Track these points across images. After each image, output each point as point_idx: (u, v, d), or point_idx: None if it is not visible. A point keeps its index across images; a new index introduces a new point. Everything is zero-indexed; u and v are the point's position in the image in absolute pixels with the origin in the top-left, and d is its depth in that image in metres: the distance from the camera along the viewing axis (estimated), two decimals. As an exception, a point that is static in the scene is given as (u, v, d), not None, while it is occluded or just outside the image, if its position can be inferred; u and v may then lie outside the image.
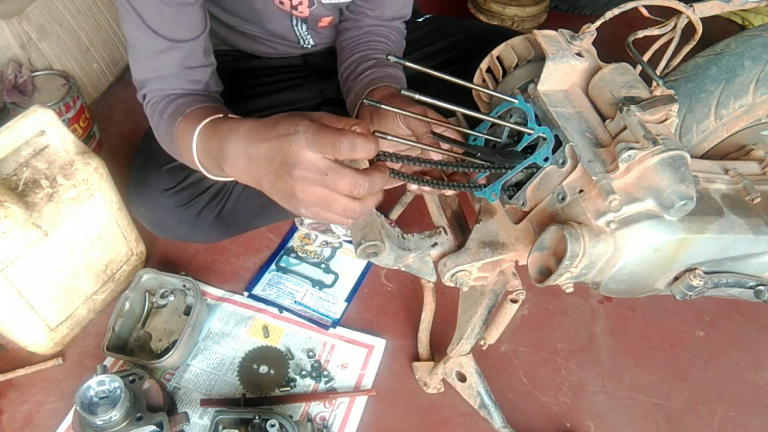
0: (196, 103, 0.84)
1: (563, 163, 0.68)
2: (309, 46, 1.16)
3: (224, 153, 0.66)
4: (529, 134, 0.71)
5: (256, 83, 1.19)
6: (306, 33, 1.12)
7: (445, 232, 0.78)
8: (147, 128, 1.14)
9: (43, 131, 0.89)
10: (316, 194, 0.58)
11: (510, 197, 0.76)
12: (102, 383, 0.81)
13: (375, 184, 0.59)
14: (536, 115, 0.71)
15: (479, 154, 0.72)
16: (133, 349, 1.02)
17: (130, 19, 0.82)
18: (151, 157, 1.06)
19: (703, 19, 0.81)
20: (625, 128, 0.66)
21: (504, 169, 0.74)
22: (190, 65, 0.86)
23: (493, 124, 0.78)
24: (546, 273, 0.68)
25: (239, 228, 1.19)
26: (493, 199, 0.74)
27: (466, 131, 0.76)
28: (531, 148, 0.74)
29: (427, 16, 1.31)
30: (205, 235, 1.14)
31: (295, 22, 1.08)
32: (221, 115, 0.75)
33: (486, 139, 0.80)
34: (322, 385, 1.02)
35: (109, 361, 1.00)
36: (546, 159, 0.69)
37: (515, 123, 0.75)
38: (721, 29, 1.88)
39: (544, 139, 0.70)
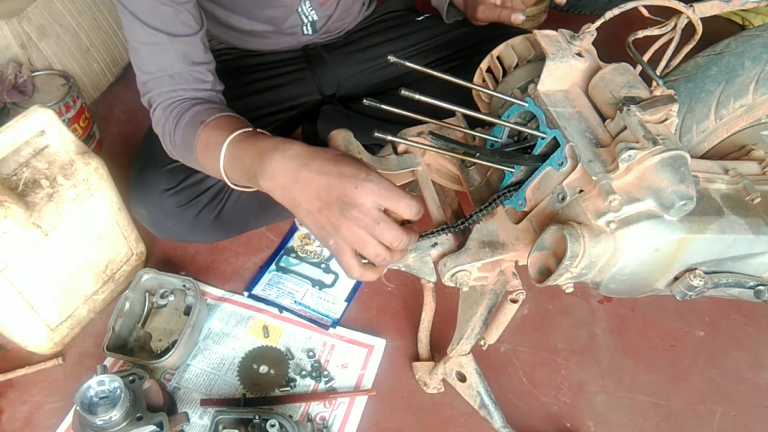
0: (214, 111, 0.85)
1: (563, 164, 0.68)
2: (310, 31, 1.16)
3: (264, 167, 0.69)
4: (542, 138, 0.71)
5: (253, 79, 1.20)
6: (309, 8, 1.11)
7: (445, 232, 0.78)
8: (147, 129, 1.15)
9: (43, 131, 0.89)
10: (358, 235, 0.64)
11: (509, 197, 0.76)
12: (102, 383, 0.81)
13: (410, 242, 0.66)
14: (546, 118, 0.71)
15: (478, 154, 0.72)
16: (133, 349, 1.02)
17: (129, 22, 0.84)
18: (152, 158, 1.06)
19: (703, 19, 0.81)
20: (625, 128, 0.66)
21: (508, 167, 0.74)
22: (195, 60, 0.87)
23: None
24: (546, 273, 0.68)
25: (239, 228, 1.19)
26: (520, 207, 0.74)
27: (483, 136, 0.77)
28: (531, 148, 0.74)
29: (426, 15, 1.31)
30: (205, 235, 1.14)
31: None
32: (250, 129, 0.79)
33: (485, 139, 0.80)
34: (322, 385, 1.02)
35: (109, 361, 1.00)
36: (561, 163, 0.68)
37: (515, 123, 0.75)
38: (721, 29, 1.88)
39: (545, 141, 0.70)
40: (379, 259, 0.65)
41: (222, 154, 0.78)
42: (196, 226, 1.09)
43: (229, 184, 0.80)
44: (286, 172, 0.67)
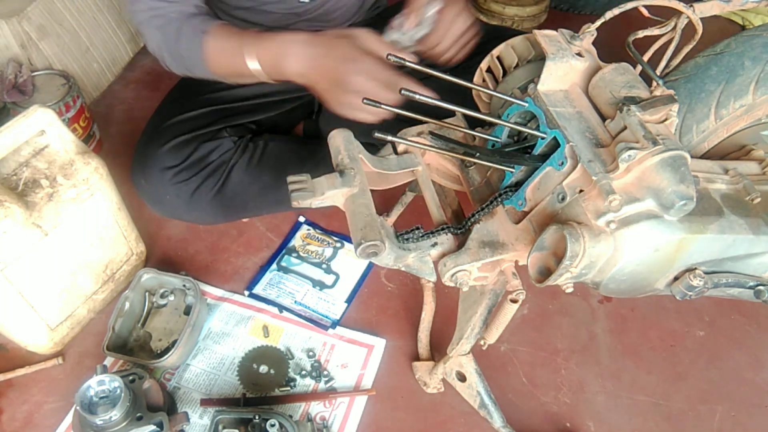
0: (208, 21, 0.96)
1: (563, 164, 0.68)
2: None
3: (283, 61, 0.88)
4: (542, 138, 0.71)
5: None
6: None
7: (445, 232, 0.78)
8: (159, 104, 1.20)
9: (43, 131, 0.89)
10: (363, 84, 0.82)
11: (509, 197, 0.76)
12: (102, 383, 0.81)
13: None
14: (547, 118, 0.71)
15: (478, 154, 0.72)
16: (133, 348, 1.02)
17: None
18: (157, 133, 1.10)
19: (703, 19, 0.81)
20: (625, 128, 0.66)
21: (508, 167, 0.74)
22: None
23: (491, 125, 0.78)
24: (546, 273, 0.68)
25: (237, 211, 1.19)
26: (520, 207, 0.74)
27: (483, 136, 0.77)
28: (531, 148, 0.74)
29: None
30: (203, 214, 1.15)
31: None
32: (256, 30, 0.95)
33: (485, 139, 0.80)
34: (322, 385, 1.02)
35: (109, 360, 1.00)
36: (561, 163, 0.68)
37: (515, 123, 0.75)
38: (721, 29, 1.88)
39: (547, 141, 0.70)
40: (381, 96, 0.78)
41: (245, 55, 0.90)
42: (193, 203, 1.11)
43: (250, 65, 0.91)
44: (302, 61, 0.86)
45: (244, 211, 1.20)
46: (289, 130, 1.33)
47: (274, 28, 1.19)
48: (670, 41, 0.85)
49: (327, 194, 0.71)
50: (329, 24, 1.23)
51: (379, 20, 1.29)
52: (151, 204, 1.15)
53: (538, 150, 0.72)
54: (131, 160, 1.14)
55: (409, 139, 0.80)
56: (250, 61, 0.90)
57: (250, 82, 1.05)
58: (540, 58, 0.76)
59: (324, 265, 1.20)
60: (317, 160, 1.11)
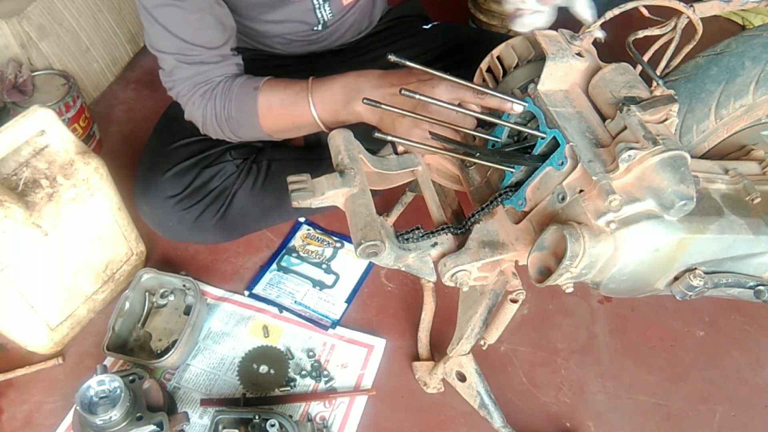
0: (256, 78, 0.95)
1: (563, 164, 0.68)
2: (321, 26, 1.15)
3: (356, 89, 0.86)
4: (542, 138, 0.71)
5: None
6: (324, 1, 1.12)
7: (446, 232, 0.78)
8: (154, 127, 1.18)
9: (43, 131, 0.89)
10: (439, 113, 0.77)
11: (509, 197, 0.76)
12: (102, 383, 0.81)
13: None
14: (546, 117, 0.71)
15: (478, 154, 0.72)
16: (133, 348, 1.02)
17: (160, 34, 0.90)
18: (158, 160, 1.09)
19: (703, 19, 0.81)
20: (625, 128, 0.66)
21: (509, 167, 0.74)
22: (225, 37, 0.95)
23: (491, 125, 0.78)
24: (546, 273, 0.68)
25: (239, 232, 1.19)
26: (520, 207, 0.74)
27: (483, 136, 0.77)
28: (532, 148, 0.74)
29: (435, 23, 1.33)
30: (206, 237, 1.15)
31: None
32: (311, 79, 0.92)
33: (485, 139, 0.80)
34: (322, 385, 1.02)
35: (109, 360, 1.00)
36: (561, 163, 0.68)
37: (515, 123, 0.75)
38: (721, 29, 1.88)
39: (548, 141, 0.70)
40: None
41: (310, 97, 0.89)
42: (196, 228, 1.11)
43: (321, 126, 0.91)
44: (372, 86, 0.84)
45: (247, 230, 1.21)
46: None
47: (294, 51, 1.20)
48: (670, 41, 0.85)
49: (327, 194, 0.71)
50: (339, 42, 1.24)
51: (386, 30, 1.30)
52: (155, 228, 1.14)
53: (538, 150, 0.72)
54: (131, 162, 1.14)
55: (409, 139, 0.80)
56: (314, 105, 0.89)
57: (295, 137, 1.03)
58: (540, 58, 0.76)
59: (324, 265, 1.20)
60: (320, 174, 1.10)
